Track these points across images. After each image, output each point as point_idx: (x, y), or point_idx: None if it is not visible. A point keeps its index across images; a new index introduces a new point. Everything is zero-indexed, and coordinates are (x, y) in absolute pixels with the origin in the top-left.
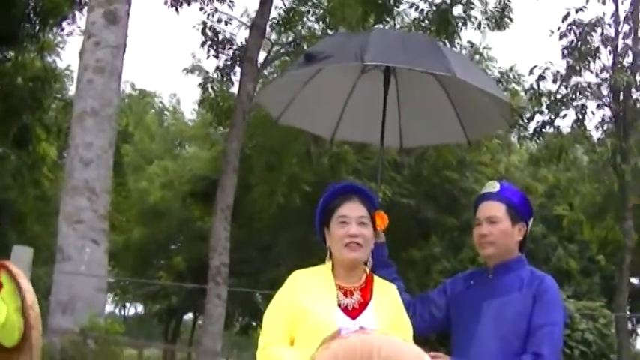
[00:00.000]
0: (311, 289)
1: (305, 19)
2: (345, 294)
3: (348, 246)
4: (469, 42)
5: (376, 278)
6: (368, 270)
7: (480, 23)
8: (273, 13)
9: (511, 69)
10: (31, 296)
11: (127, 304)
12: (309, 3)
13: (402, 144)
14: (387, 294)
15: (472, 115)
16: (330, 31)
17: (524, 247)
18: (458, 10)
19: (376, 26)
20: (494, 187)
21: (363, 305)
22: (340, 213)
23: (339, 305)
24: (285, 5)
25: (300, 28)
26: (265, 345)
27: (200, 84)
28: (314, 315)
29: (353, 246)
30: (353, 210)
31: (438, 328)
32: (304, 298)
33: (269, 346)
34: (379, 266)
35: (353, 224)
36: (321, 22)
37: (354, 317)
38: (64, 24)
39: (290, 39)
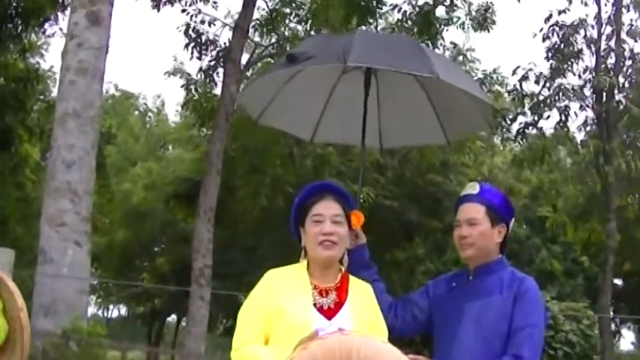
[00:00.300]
0: (286, 289)
1: (288, 20)
2: (321, 293)
3: (322, 244)
4: (452, 43)
5: (351, 278)
6: (343, 269)
7: (463, 23)
8: (256, 15)
9: (494, 71)
10: (20, 299)
11: (111, 307)
12: (293, 4)
13: (381, 145)
14: (362, 294)
15: (452, 115)
16: (313, 33)
17: (505, 249)
18: (441, 11)
19: (359, 28)
20: (474, 188)
21: (339, 305)
22: (314, 211)
23: (315, 305)
24: (268, 7)
25: (283, 29)
26: (240, 345)
27: (183, 85)
28: (290, 314)
29: (327, 244)
30: (327, 208)
31: (419, 330)
32: (279, 298)
33: (244, 346)
34: (360, 268)
35: (327, 222)
36: (304, 24)
37: (329, 317)
38: (47, 25)
39: (273, 40)
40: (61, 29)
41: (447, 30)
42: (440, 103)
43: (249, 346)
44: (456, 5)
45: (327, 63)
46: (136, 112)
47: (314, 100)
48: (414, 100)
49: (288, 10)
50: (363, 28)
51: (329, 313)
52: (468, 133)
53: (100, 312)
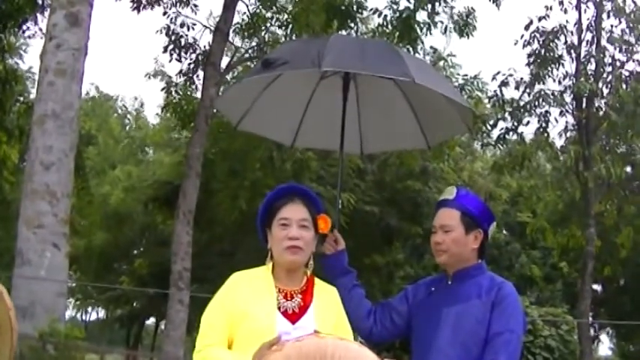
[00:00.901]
0: (250, 292)
1: (269, 24)
2: (286, 297)
3: (288, 249)
4: (432, 47)
5: (317, 281)
6: (309, 273)
7: (446, 27)
8: (237, 19)
9: (475, 77)
10: (8, 299)
11: (89, 309)
12: (274, 8)
13: (362, 150)
14: (327, 297)
15: (432, 119)
16: (294, 37)
17: (485, 254)
18: (422, 16)
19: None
20: (451, 193)
21: (304, 309)
22: (281, 215)
23: (279, 308)
24: (249, 10)
25: (263, 33)
26: (202, 347)
27: (164, 88)
28: (253, 318)
29: (293, 249)
30: (294, 212)
31: (399, 335)
32: (243, 301)
33: (206, 348)
34: (339, 273)
35: (294, 227)
36: (284, 28)
37: (293, 321)
38: (26, 26)
39: (254, 44)
40: (40, 30)
41: (431, 34)
42: (420, 107)
43: (212, 349)
44: (436, 12)
45: (302, 68)
46: (116, 115)
47: (294, 105)
48: (394, 104)
49: (269, 14)
50: (343, 32)
51: (293, 317)
52: (448, 137)
53: (78, 315)
